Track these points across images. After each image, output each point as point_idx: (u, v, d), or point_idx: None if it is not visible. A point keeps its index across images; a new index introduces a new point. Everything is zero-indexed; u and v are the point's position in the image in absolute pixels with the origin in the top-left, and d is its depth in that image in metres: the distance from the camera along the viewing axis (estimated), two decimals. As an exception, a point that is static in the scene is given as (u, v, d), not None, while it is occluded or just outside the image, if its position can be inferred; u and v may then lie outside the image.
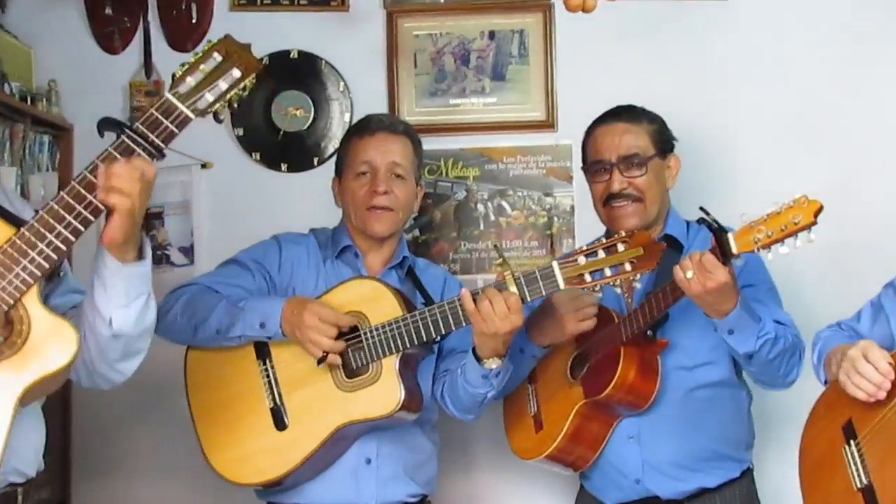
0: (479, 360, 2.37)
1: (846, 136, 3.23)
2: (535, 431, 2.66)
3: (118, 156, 1.83)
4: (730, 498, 2.58)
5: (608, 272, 2.19)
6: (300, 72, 3.37)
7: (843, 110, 3.23)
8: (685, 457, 2.55)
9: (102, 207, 1.81)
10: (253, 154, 3.37)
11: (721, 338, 2.38)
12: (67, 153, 3.36)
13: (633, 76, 3.25)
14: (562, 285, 2.22)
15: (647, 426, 2.55)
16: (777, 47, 3.27)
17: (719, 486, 2.58)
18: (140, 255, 1.90)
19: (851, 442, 2.08)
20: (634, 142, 2.59)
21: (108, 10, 3.37)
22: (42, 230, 1.80)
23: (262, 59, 1.94)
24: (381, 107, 3.32)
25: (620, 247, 2.18)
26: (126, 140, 1.83)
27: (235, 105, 1.92)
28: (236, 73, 1.89)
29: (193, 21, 3.37)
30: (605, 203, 2.61)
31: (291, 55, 3.38)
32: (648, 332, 2.48)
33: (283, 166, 3.38)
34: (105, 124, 1.87)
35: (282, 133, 3.36)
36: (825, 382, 2.26)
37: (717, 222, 2.22)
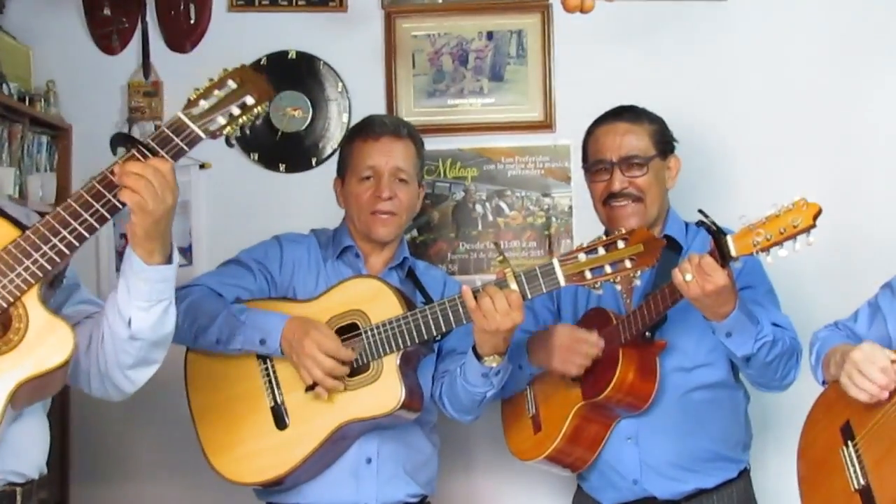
0: (479, 358, 2.38)
1: (846, 136, 3.24)
2: (533, 432, 2.67)
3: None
4: (727, 498, 2.59)
5: (608, 269, 2.19)
6: (298, 72, 3.37)
7: (843, 111, 3.24)
8: (683, 457, 2.55)
9: (119, 205, 1.84)
10: (251, 154, 3.37)
11: (719, 340, 2.38)
12: (66, 153, 3.36)
13: (632, 77, 3.25)
14: (562, 282, 2.23)
15: (645, 427, 2.55)
16: (775, 47, 3.28)
17: (716, 486, 2.58)
18: (169, 261, 1.93)
19: (849, 443, 2.09)
20: (636, 142, 2.59)
21: (107, 11, 3.37)
22: (46, 233, 1.82)
23: (270, 83, 1.97)
24: (379, 107, 3.32)
25: (621, 244, 2.19)
26: (136, 154, 1.86)
27: (247, 130, 1.95)
28: (250, 100, 1.92)
29: (192, 21, 3.37)
30: (605, 202, 2.61)
31: (289, 56, 3.38)
32: (647, 334, 2.48)
33: (282, 167, 3.38)
34: (118, 140, 1.90)
35: (280, 133, 3.36)
36: (823, 383, 2.27)
37: (715, 225, 2.22)
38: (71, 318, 1.97)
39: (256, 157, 3.38)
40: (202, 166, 3.30)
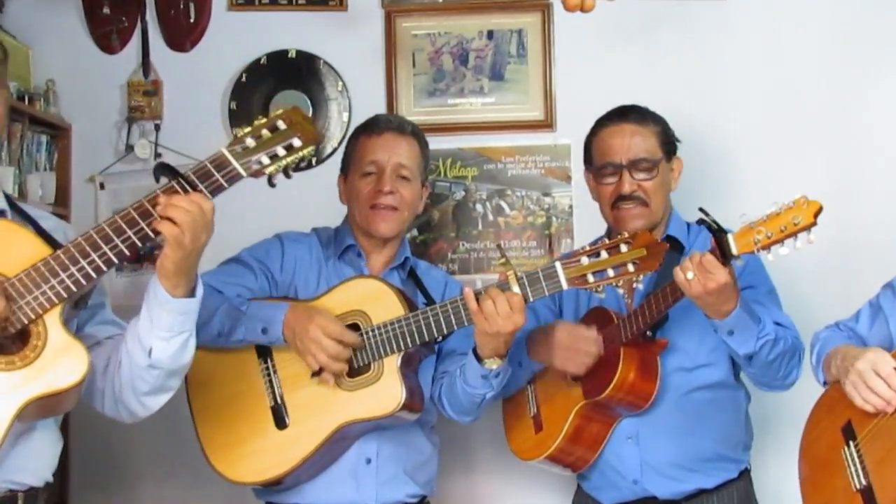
0: (479, 360, 2.37)
1: (846, 135, 3.24)
2: (534, 432, 2.67)
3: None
4: (727, 498, 2.59)
5: (611, 272, 2.19)
6: (298, 71, 3.37)
7: (843, 110, 3.24)
8: (684, 457, 2.55)
9: (152, 234, 1.86)
10: (251, 154, 3.37)
11: (720, 339, 2.38)
12: (65, 153, 3.36)
13: (632, 76, 3.25)
14: (565, 285, 2.22)
15: (645, 427, 2.55)
16: (776, 47, 3.28)
17: (717, 486, 2.58)
18: (192, 294, 1.95)
19: (851, 443, 2.09)
20: (643, 144, 2.59)
21: (106, 10, 3.37)
22: (76, 255, 1.84)
23: (318, 130, 1.98)
24: (379, 107, 3.31)
25: (623, 247, 2.18)
26: (176, 186, 1.88)
27: (291, 172, 1.94)
28: (297, 142, 1.92)
29: (191, 20, 3.38)
30: (614, 205, 2.61)
31: (289, 55, 3.38)
32: (648, 333, 2.48)
33: (282, 166, 3.38)
34: (161, 169, 1.91)
35: (280, 133, 3.36)
36: (824, 383, 2.26)
37: (716, 223, 2.22)
38: (92, 337, 2.00)
39: (256, 157, 3.37)
40: (202, 166, 3.29)
